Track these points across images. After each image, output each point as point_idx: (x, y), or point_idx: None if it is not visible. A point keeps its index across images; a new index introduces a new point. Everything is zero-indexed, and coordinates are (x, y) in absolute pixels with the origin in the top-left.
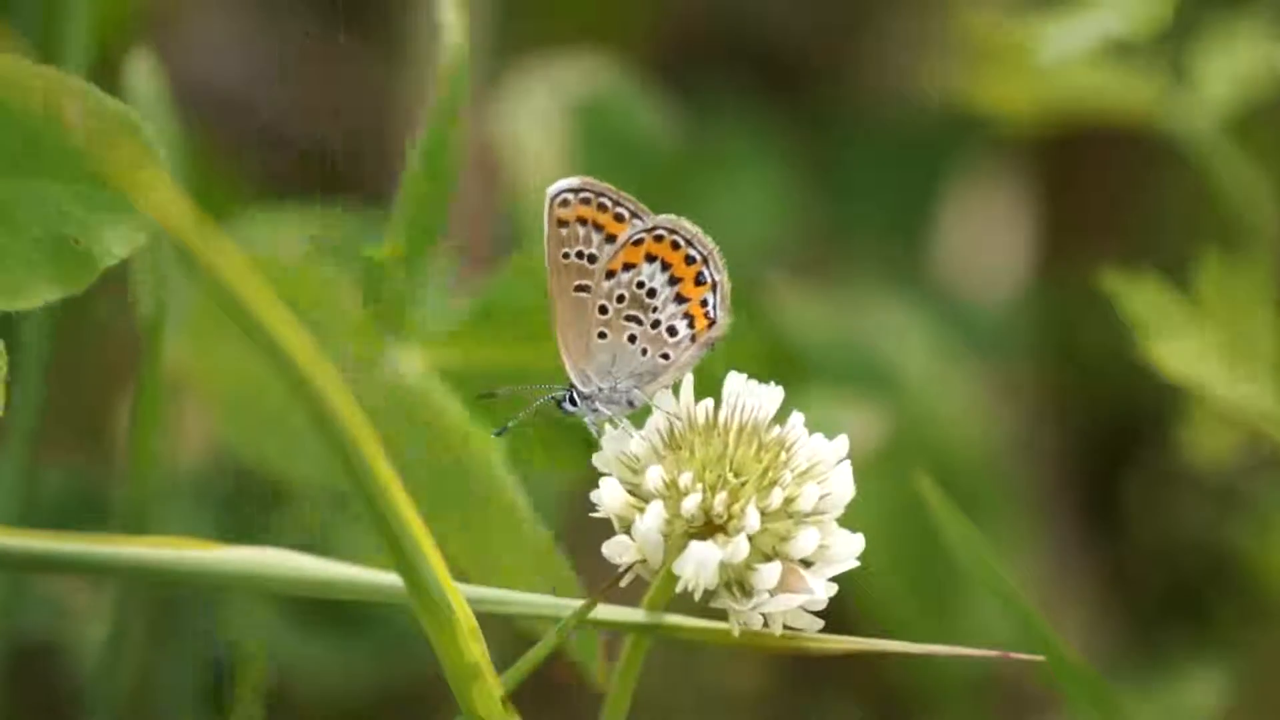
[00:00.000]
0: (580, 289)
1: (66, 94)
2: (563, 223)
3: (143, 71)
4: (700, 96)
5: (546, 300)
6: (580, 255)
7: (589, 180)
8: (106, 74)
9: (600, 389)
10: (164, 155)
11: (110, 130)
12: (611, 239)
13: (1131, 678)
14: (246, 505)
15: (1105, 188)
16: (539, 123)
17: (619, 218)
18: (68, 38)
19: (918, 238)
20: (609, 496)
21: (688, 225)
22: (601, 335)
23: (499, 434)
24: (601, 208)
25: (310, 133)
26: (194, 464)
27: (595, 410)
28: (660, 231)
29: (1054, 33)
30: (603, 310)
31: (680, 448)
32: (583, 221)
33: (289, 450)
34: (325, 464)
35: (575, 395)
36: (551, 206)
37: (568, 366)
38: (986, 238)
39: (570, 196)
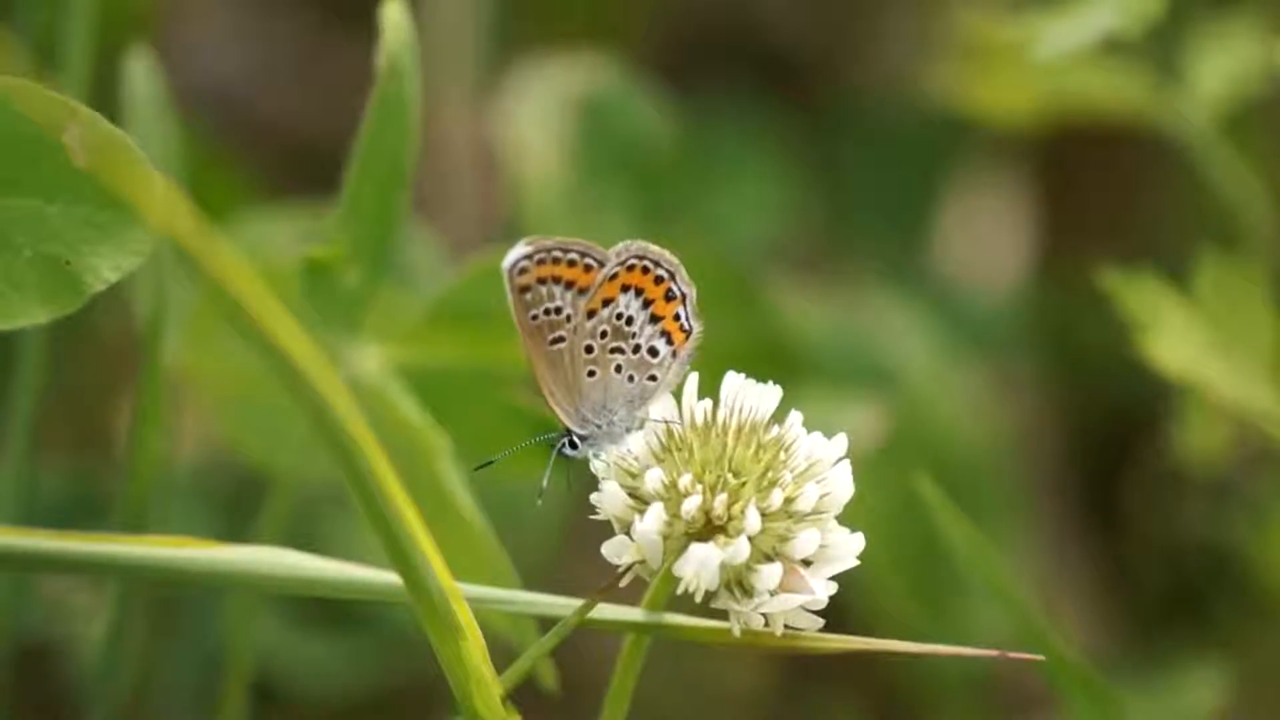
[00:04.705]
0: (555, 341)
1: (65, 114)
2: (524, 289)
3: (142, 70)
4: (700, 96)
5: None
6: (547, 311)
7: (535, 240)
8: (107, 73)
9: (598, 426)
10: (161, 168)
11: (106, 147)
12: (570, 285)
13: (1131, 677)
14: (246, 505)
15: (1105, 188)
16: (539, 122)
17: (571, 263)
18: (68, 37)
19: (917, 236)
20: (609, 499)
21: (652, 247)
22: (591, 374)
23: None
24: (555, 261)
25: (310, 131)
26: (194, 464)
27: (594, 447)
28: (630, 260)
29: (1050, 31)
30: (589, 350)
31: (679, 449)
32: (542, 281)
33: (288, 450)
34: (325, 464)
35: (574, 439)
36: (511, 278)
37: (561, 415)
38: (986, 236)
39: (526, 263)
